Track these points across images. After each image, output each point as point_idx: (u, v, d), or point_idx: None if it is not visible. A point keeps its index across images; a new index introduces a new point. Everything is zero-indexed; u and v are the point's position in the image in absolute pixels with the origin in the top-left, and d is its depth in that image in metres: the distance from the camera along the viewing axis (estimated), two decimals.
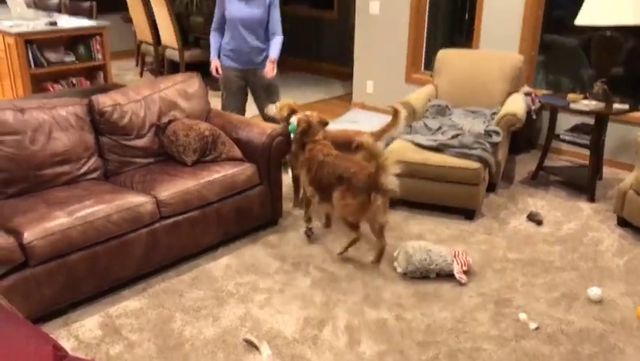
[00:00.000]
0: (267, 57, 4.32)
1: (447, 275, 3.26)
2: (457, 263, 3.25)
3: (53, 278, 2.78)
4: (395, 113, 3.86)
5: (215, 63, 4.39)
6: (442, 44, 5.94)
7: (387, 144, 4.15)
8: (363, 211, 3.27)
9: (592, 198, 4.24)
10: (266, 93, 4.41)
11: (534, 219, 3.93)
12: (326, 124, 3.70)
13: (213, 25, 4.38)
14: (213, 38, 4.40)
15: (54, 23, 5.70)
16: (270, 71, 4.28)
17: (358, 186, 3.23)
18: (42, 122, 3.21)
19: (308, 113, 3.73)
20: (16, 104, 3.21)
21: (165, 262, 3.28)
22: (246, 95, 4.53)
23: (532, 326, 2.87)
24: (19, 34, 5.34)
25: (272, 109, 3.91)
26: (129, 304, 3.02)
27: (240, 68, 4.35)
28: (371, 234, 3.46)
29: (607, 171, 4.74)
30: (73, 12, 6.93)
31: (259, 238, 3.70)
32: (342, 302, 3.06)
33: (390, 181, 3.16)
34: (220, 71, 4.38)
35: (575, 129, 4.49)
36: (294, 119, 3.68)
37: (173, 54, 7.33)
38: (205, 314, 2.95)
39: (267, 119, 4.15)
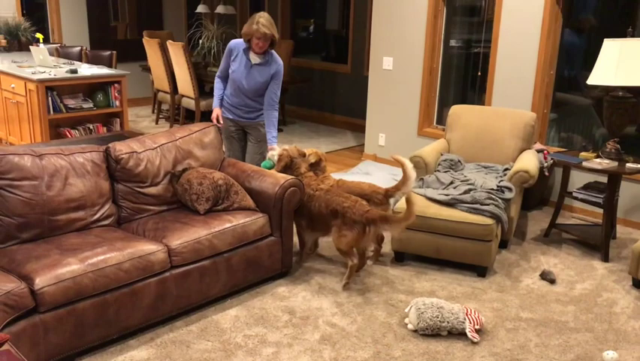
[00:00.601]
0: (261, 115, 4.30)
1: (459, 333, 3.21)
2: (469, 321, 3.20)
3: (62, 325, 2.77)
4: (402, 166, 3.86)
5: (216, 112, 4.31)
6: (454, 99, 6.02)
7: (396, 200, 4.13)
8: (358, 241, 3.59)
9: (606, 258, 4.19)
10: (257, 146, 4.40)
11: (547, 277, 3.88)
12: (303, 155, 3.98)
13: (218, 73, 4.35)
14: (218, 87, 4.35)
15: (75, 71, 5.85)
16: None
17: (354, 219, 3.53)
18: (59, 168, 3.25)
19: (286, 147, 3.96)
20: (35, 150, 3.26)
21: (174, 312, 3.25)
22: (245, 143, 4.49)
23: None
24: (40, 81, 5.49)
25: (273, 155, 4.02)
26: (136, 355, 2.98)
27: (237, 120, 4.36)
28: (378, 291, 3.42)
29: (621, 230, 4.70)
30: (94, 60, 7.12)
31: (268, 290, 3.68)
32: (352, 359, 3.00)
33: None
34: (221, 120, 4.30)
35: (587, 187, 4.48)
36: (272, 155, 3.93)
37: (189, 103, 7.47)
38: None
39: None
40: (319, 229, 3.83)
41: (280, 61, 4.23)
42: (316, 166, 4.06)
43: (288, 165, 3.93)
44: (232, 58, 4.21)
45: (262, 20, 3.98)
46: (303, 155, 3.99)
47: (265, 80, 4.19)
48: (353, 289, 3.69)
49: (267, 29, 3.97)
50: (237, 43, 4.21)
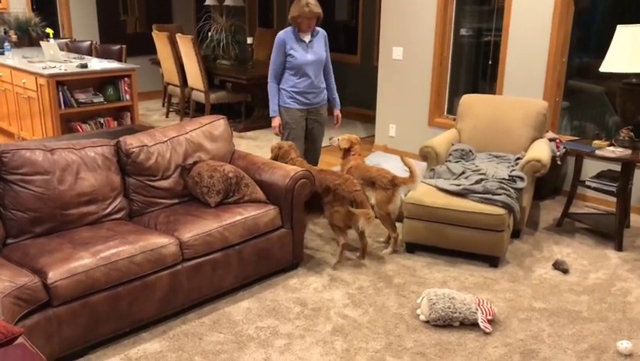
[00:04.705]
0: (325, 95, 4.61)
1: (471, 324, 3.19)
2: (482, 312, 3.18)
3: (75, 319, 2.79)
4: (409, 169, 3.89)
5: (277, 121, 4.46)
6: (465, 89, 5.97)
7: (407, 191, 4.12)
8: (350, 217, 3.74)
9: (619, 247, 4.15)
10: (320, 128, 4.67)
11: (560, 267, 3.85)
12: (290, 144, 4.24)
13: (272, 74, 4.42)
14: (273, 89, 4.43)
15: (85, 66, 5.87)
16: (340, 118, 4.78)
17: (344, 196, 3.71)
18: (70, 163, 3.27)
19: (280, 141, 4.24)
20: (46, 145, 3.28)
21: (186, 305, 3.27)
22: (306, 130, 4.62)
23: None
24: (51, 76, 5.51)
25: (335, 141, 4.38)
26: (149, 347, 3.00)
27: (305, 109, 4.49)
28: (390, 282, 3.42)
29: (634, 219, 4.66)
30: (104, 55, 7.14)
31: (280, 282, 3.68)
32: (364, 350, 3.01)
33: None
34: (282, 130, 4.49)
35: (600, 176, 4.44)
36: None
37: (198, 96, 7.48)
38: (224, 359, 2.92)
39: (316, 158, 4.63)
40: (313, 209, 3.89)
41: (322, 29, 4.49)
42: (349, 151, 4.31)
43: (277, 155, 4.13)
44: (288, 49, 4.32)
45: (311, 1, 4.23)
46: (290, 144, 4.22)
47: (323, 52, 4.46)
48: (364, 280, 3.69)
49: (317, 8, 4.26)
50: (285, 34, 4.35)
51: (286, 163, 3.98)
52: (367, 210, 3.66)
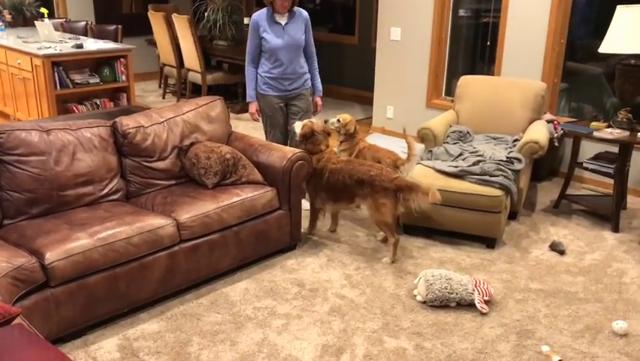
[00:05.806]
0: (307, 80, 4.36)
1: (467, 305, 3.21)
2: (478, 293, 3.20)
3: (73, 299, 2.79)
4: (407, 144, 3.94)
5: (254, 107, 4.27)
6: (463, 70, 5.94)
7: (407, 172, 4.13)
8: (396, 208, 3.59)
9: (616, 228, 4.17)
10: (306, 116, 4.38)
11: (556, 248, 3.87)
12: (329, 134, 3.99)
13: (248, 58, 4.21)
14: (250, 74, 4.24)
15: (80, 46, 5.82)
16: (320, 106, 4.53)
17: (384, 186, 3.54)
18: (67, 143, 3.25)
19: (313, 120, 3.99)
20: (42, 125, 3.26)
21: (184, 285, 3.28)
22: (286, 117, 4.42)
23: (555, 358, 2.80)
24: (46, 56, 5.46)
25: (334, 123, 4.24)
26: (147, 327, 3.01)
27: (283, 96, 4.28)
28: (385, 256, 3.42)
29: (631, 201, 4.67)
30: (100, 35, 7.07)
31: (278, 263, 3.69)
32: (361, 330, 3.02)
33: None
34: (258, 116, 4.30)
35: (598, 157, 4.44)
36: (298, 126, 3.97)
37: (195, 77, 7.43)
38: (222, 339, 2.94)
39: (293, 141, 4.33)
40: (342, 199, 3.78)
41: (304, 11, 4.27)
42: (354, 134, 4.24)
43: (307, 136, 3.86)
44: (261, 31, 4.11)
45: None
46: (328, 134, 3.98)
47: (301, 36, 4.21)
48: (361, 261, 3.71)
49: None
50: (259, 15, 4.13)
51: (316, 153, 3.83)
52: (432, 189, 3.51)
